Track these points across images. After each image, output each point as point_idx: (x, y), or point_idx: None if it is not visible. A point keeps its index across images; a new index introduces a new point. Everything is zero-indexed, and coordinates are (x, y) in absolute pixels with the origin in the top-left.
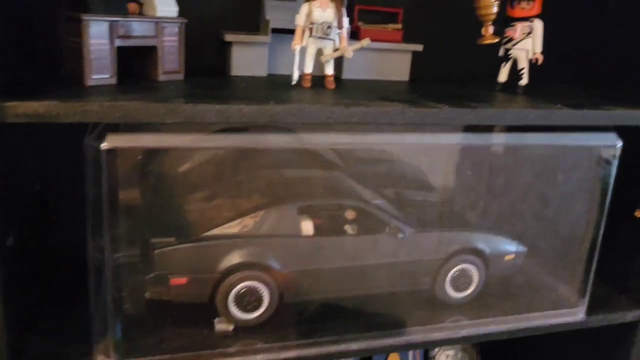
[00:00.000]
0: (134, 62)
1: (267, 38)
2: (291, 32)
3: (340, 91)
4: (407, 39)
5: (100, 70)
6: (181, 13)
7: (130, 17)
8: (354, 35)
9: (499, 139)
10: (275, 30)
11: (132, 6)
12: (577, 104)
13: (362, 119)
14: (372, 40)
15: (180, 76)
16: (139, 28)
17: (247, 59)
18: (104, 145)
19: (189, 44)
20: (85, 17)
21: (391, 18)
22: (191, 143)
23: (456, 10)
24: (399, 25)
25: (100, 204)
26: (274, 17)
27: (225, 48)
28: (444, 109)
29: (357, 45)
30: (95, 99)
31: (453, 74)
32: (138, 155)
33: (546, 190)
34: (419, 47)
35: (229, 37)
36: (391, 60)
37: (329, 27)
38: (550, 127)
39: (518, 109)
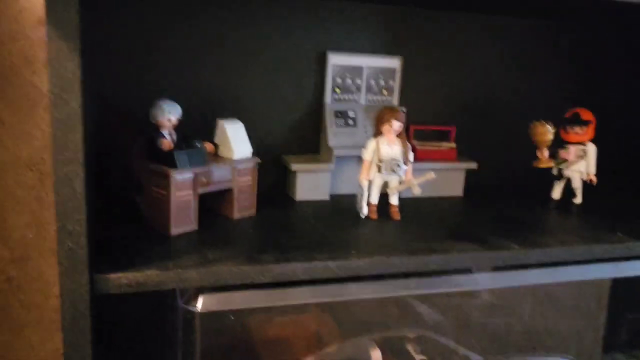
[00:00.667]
0: (209, 199)
1: (330, 166)
2: (351, 156)
3: (406, 223)
4: (460, 154)
5: (183, 219)
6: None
7: (212, 166)
8: None
9: (565, 274)
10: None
11: (210, 146)
12: (637, 231)
13: (440, 267)
14: (428, 159)
15: (252, 211)
16: (218, 174)
17: (312, 185)
18: (199, 308)
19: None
20: (173, 172)
21: (444, 136)
22: (280, 301)
23: (505, 125)
24: (453, 144)
25: None
26: (337, 145)
27: (289, 172)
28: (515, 249)
29: (422, 178)
30: (191, 264)
31: (504, 188)
32: (230, 315)
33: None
34: (473, 165)
35: (294, 167)
36: (447, 178)
37: (397, 164)
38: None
39: (584, 245)
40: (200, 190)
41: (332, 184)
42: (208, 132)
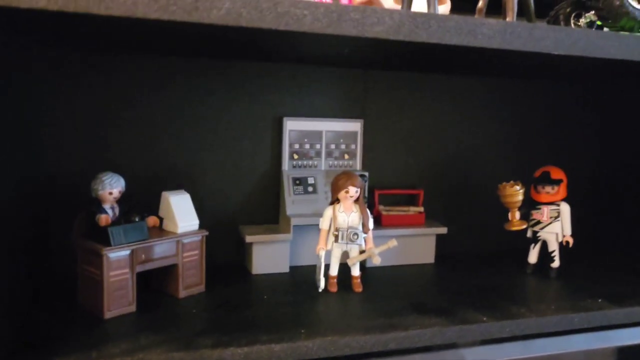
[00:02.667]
0: (152, 278)
1: (288, 236)
2: (312, 225)
3: (369, 295)
4: (429, 219)
5: (119, 301)
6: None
7: (152, 241)
8: (376, 220)
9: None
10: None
11: (153, 220)
12: (618, 296)
13: (400, 344)
14: (394, 225)
15: (201, 288)
16: (160, 249)
17: (269, 257)
18: None
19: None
20: (106, 250)
21: (412, 200)
22: None
23: (476, 188)
24: (421, 208)
25: None
26: (295, 213)
27: (245, 245)
28: (484, 322)
29: (384, 247)
30: (117, 352)
31: (478, 252)
32: None
33: None
34: (443, 230)
35: (249, 238)
36: (416, 244)
37: (355, 234)
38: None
39: (560, 314)
40: (139, 268)
41: (292, 255)
42: (156, 205)
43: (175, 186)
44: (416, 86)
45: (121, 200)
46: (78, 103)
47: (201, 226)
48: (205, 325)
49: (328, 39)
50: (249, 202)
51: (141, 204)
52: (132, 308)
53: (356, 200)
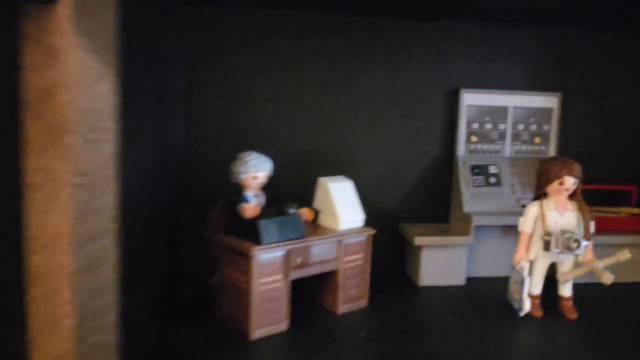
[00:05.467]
0: (306, 286)
1: (468, 239)
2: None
3: (589, 324)
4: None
5: (269, 316)
6: None
7: (310, 240)
8: None
9: None
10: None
11: (307, 212)
12: None
13: None
14: (600, 230)
15: (363, 303)
16: (318, 251)
17: (442, 265)
18: None
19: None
20: (256, 249)
21: (621, 198)
22: None
23: None
24: (636, 209)
25: None
26: (475, 210)
27: (411, 248)
28: None
29: (612, 259)
30: None
31: None
32: None
33: None
34: None
35: (419, 240)
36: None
37: (576, 240)
38: None
39: None
40: (294, 275)
41: (470, 264)
42: (307, 195)
43: (326, 173)
44: (634, 53)
45: (267, 188)
46: (221, 70)
47: None
48: (378, 355)
49: None
50: (412, 194)
51: (288, 195)
52: (284, 326)
53: (572, 196)
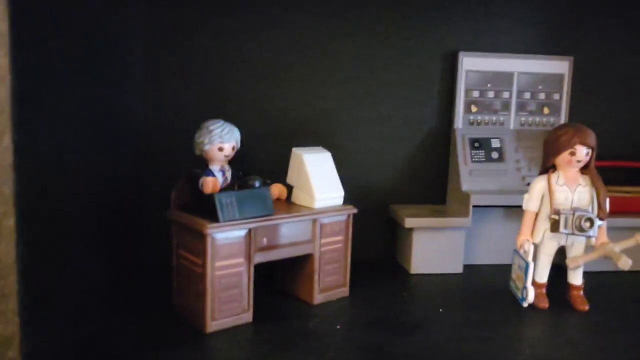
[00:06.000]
0: (277, 272)
1: (465, 221)
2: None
3: (601, 317)
4: None
5: (229, 306)
6: None
7: (278, 217)
8: None
9: None
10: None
11: (278, 188)
12: None
13: None
14: (618, 211)
15: (344, 292)
16: (289, 232)
17: (436, 251)
18: None
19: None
20: (211, 227)
21: (636, 177)
22: None
23: None
24: None
25: None
26: (474, 189)
27: (401, 231)
28: None
29: (628, 242)
30: None
31: None
32: None
33: None
34: None
35: (410, 222)
36: None
37: (588, 219)
38: None
39: None
40: (259, 258)
41: (468, 250)
42: (282, 171)
43: (305, 144)
44: None
45: (235, 161)
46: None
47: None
48: (356, 354)
49: None
50: (405, 172)
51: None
52: (248, 317)
53: (584, 169)
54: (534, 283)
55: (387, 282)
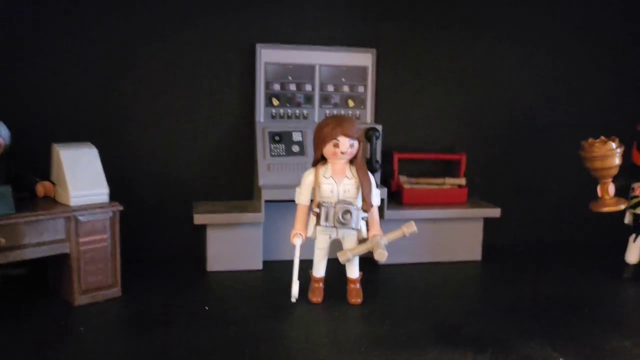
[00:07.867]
0: (50, 271)
1: (258, 217)
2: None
3: (371, 311)
4: (472, 197)
5: None
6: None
7: (18, 216)
8: (396, 197)
9: None
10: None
11: (44, 187)
12: None
13: None
14: (423, 204)
15: (115, 291)
16: (36, 231)
17: (232, 248)
18: None
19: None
20: None
21: (449, 169)
22: None
23: (542, 152)
24: (462, 180)
25: None
26: (270, 184)
27: (201, 230)
28: None
29: (396, 234)
30: None
31: (544, 244)
32: None
33: None
34: (494, 213)
35: (200, 219)
36: (454, 233)
37: (347, 212)
38: None
39: None
40: None
41: (268, 245)
42: None
43: (97, 143)
44: (460, 4)
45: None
46: None
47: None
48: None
49: None
50: (212, 168)
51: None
52: None
53: (352, 161)
54: (313, 277)
55: (175, 281)
